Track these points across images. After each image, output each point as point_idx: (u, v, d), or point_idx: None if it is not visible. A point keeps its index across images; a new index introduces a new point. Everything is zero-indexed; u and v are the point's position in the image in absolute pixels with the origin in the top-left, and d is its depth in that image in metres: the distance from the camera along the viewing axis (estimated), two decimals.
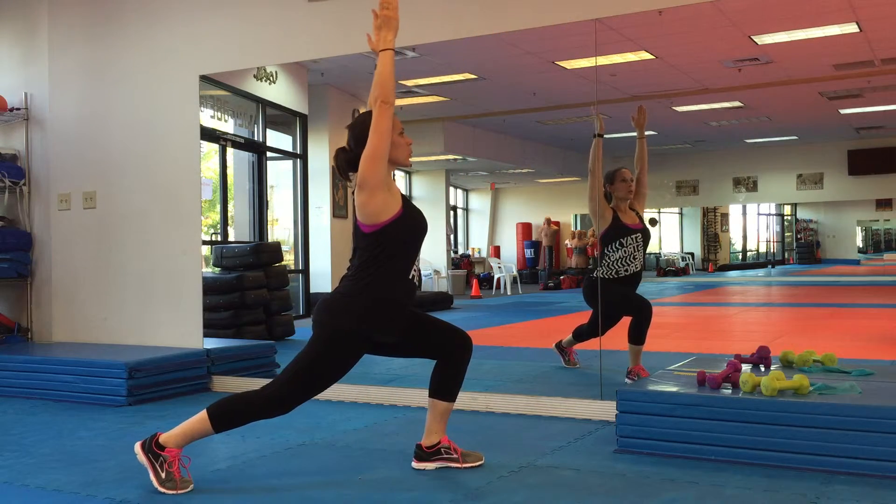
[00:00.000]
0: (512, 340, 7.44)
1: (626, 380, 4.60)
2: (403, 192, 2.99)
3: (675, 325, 7.96)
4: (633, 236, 4.79)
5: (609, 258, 4.77)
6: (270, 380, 2.93)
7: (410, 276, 2.93)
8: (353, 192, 2.88)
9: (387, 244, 2.85)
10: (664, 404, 3.21)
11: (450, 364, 3.05)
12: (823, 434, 2.93)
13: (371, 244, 2.86)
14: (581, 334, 5.04)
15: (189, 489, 2.84)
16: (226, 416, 2.86)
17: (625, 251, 4.76)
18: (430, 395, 3.09)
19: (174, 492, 2.80)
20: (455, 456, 3.08)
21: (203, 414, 2.84)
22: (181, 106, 5.16)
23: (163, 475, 2.82)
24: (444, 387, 3.06)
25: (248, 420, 2.89)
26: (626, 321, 4.79)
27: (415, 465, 3.10)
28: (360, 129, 2.88)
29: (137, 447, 2.89)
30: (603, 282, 4.69)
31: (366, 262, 2.86)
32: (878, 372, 3.54)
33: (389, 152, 2.84)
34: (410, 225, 2.92)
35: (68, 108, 5.61)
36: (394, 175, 3.05)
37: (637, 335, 4.72)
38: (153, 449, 2.85)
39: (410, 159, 3.00)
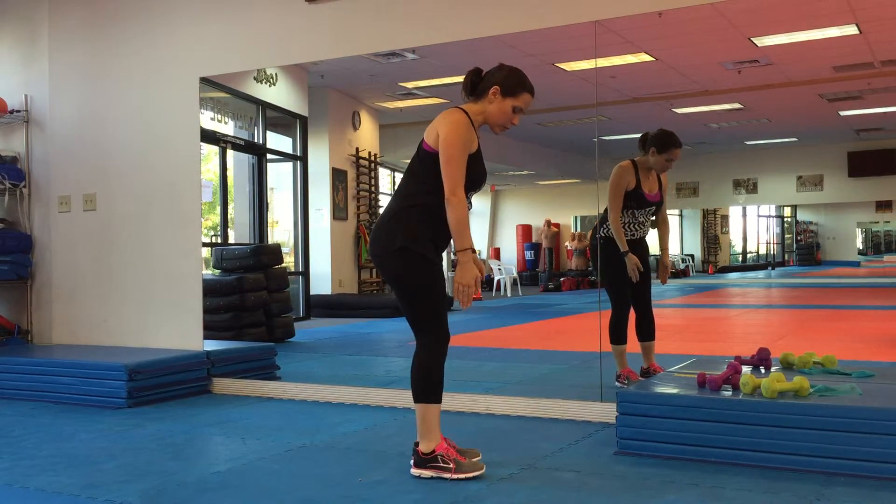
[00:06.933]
0: (512, 342, 7.44)
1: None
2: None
3: (676, 327, 7.95)
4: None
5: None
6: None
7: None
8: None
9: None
10: (664, 406, 3.21)
11: None
12: (824, 436, 2.92)
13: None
14: (612, 326, 4.63)
15: (480, 458, 3.04)
16: (422, 387, 2.94)
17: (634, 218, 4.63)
18: None
19: (478, 471, 2.93)
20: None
21: (416, 406, 2.96)
22: (181, 108, 5.16)
23: (451, 465, 2.91)
24: None
25: (439, 373, 2.96)
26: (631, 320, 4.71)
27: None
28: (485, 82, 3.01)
29: (414, 471, 2.97)
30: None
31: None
32: (879, 374, 3.54)
33: (493, 118, 3.02)
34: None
35: (68, 110, 5.61)
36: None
37: (646, 329, 4.65)
38: (425, 459, 2.94)
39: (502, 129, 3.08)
